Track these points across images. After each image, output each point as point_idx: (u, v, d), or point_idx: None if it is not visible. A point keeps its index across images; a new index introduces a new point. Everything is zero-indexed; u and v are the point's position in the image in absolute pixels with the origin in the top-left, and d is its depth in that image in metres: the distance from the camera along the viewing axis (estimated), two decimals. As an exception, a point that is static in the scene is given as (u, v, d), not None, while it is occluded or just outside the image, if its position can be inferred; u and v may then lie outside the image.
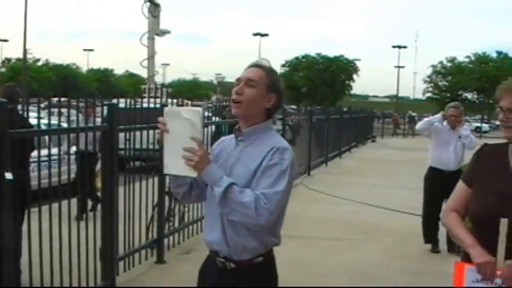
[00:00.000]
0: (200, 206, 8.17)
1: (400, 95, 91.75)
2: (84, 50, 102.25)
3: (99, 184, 6.69)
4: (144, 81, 14.42)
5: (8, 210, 4.36)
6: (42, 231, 4.87)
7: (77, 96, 6.42)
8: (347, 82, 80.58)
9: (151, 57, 13.88)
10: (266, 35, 77.64)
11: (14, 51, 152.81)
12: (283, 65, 79.92)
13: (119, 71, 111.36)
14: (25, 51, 50.31)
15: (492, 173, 2.88)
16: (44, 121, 5.69)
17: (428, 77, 77.65)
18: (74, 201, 5.38)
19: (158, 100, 8.86)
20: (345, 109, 26.73)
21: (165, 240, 7.30)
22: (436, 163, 7.93)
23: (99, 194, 7.19)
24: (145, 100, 7.16)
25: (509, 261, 2.63)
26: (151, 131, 6.82)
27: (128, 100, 6.46)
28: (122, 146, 6.24)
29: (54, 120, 5.77)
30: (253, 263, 2.86)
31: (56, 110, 6.33)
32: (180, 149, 2.71)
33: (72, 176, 6.35)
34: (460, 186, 3.02)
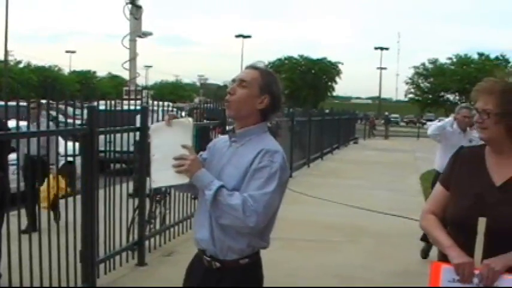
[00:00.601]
0: (181, 208, 8.17)
1: (382, 96, 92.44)
2: (67, 51, 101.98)
3: (44, 203, 5.98)
4: (126, 83, 14.35)
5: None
6: (21, 234, 4.84)
7: (57, 98, 6.38)
8: (329, 84, 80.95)
9: (133, 59, 13.82)
10: (249, 36, 78.01)
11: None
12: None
13: (101, 73, 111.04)
14: (6, 53, 49.98)
15: (469, 175, 2.90)
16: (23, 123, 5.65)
17: (410, 78, 78.27)
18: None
19: (139, 102, 8.84)
20: (327, 111, 26.76)
21: (146, 243, 7.26)
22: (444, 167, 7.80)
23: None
24: (125, 102, 7.13)
25: (486, 260, 2.65)
26: (131, 133, 6.84)
27: (108, 102, 6.42)
28: (102, 148, 6.22)
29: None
30: (239, 263, 2.87)
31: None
32: (170, 159, 2.78)
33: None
34: (438, 189, 3.03)
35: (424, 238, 7.65)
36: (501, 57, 74.30)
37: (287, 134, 16.31)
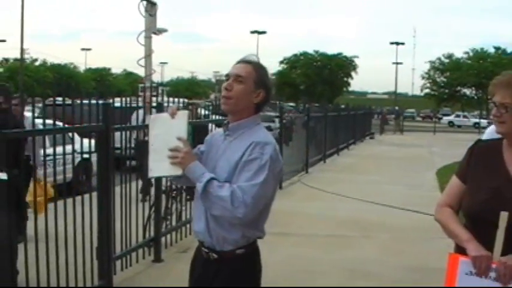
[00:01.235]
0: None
1: (398, 91, 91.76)
2: (82, 49, 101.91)
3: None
4: (141, 80, 14.39)
5: (2, 210, 4.36)
6: (38, 231, 4.86)
7: (73, 95, 6.39)
8: (345, 79, 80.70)
9: (148, 55, 13.83)
10: (264, 32, 77.56)
11: (11, 51, 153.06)
12: (281, 62, 79.97)
13: (116, 70, 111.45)
14: (22, 51, 50.29)
15: (486, 169, 2.87)
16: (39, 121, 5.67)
17: (426, 73, 77.85)
18: (69, 200, 5.35)
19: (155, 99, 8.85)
20: (343, 106, 26.68)
21: (162, 239, 7.28)
22: None
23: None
24: (140, 99, 7.14)
25: (503, 258, 2.63)
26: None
27: (124, 99, 6.42)
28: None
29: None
30: (235, 254, 2.91)
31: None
32: (166, 150, 2.83)
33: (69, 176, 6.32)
34: (454, 182, 3.01)
35: None
36: (517, 51, 73.69)
37: (303, 130, 16.29)
